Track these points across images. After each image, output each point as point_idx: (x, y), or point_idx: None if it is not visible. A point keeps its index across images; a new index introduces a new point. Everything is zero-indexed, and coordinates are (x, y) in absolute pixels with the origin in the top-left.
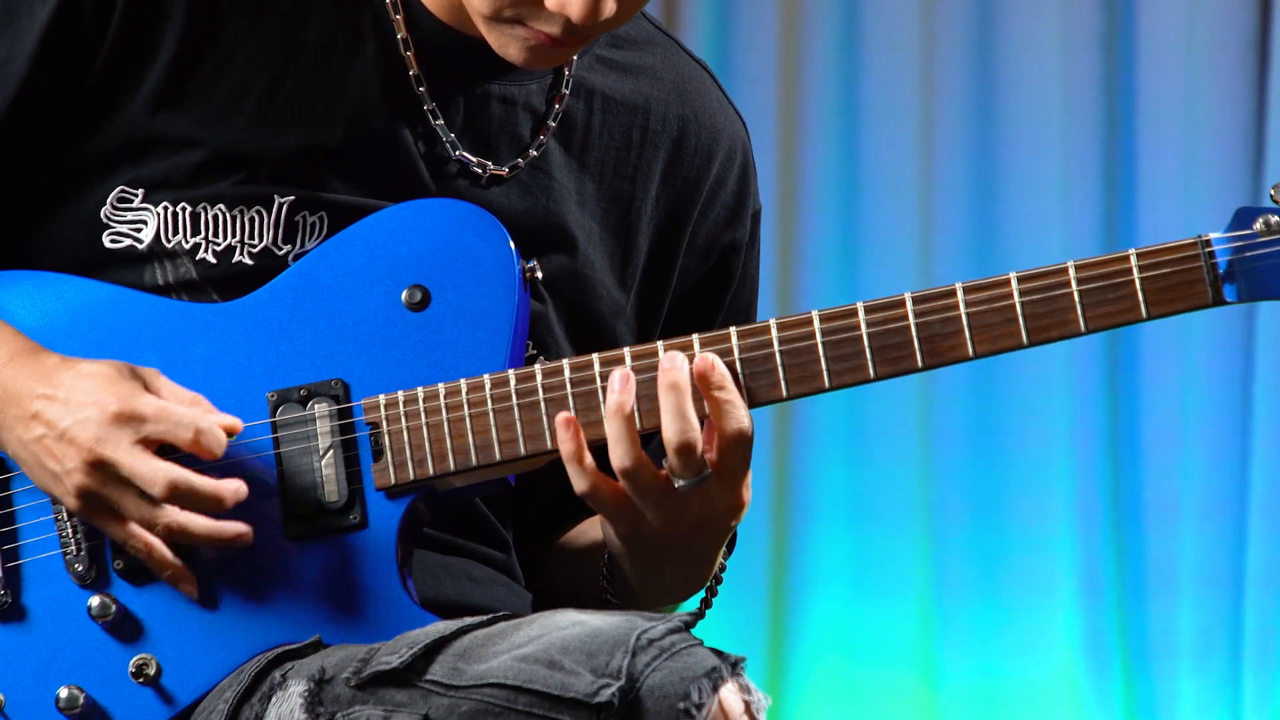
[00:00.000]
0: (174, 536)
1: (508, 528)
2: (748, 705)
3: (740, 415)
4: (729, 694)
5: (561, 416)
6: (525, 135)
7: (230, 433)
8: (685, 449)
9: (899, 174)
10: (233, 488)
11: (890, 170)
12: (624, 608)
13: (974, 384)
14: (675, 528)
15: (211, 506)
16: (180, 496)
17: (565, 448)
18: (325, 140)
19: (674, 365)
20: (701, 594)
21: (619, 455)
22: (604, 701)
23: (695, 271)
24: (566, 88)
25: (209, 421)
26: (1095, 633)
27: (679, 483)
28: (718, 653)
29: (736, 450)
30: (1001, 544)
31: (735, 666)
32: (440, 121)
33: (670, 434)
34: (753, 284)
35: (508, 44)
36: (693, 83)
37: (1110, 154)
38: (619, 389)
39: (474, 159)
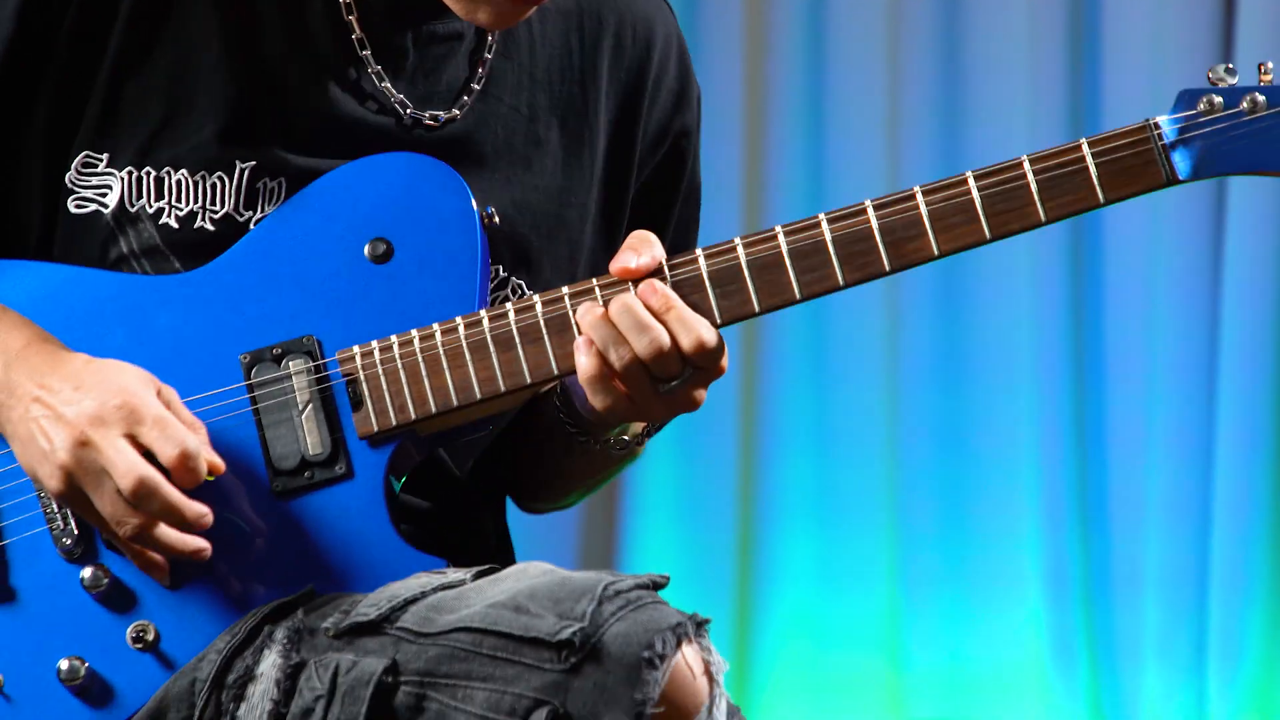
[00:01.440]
0: (139, 539)
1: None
2: (707, 666)
3: (695, 329)
4: (691, 651)
5: (581, 340)
6: (468, 68)
7: (213, 471)
8: (658, 356)
9: (865, 167)
10: (196, 511)
11: (856, 163)
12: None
13: (940, 377)
14: (652, 412)
15: (173, 519)
16: (145, 498)
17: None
18: (280, 102)
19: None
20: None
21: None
22: (565, 640)
23: (652, 160)
24: None
25: (198, 446)
26: (1061, 627)
27: (662, 387)
28: (683, 613)
29: (705, 358)
30: (967, 538)
31: (700, 627)
32: (385, 84)
33: (640, 347)
34: (696, 167)
35: (476, 10)
36: None
37: (1075, 85)
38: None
39: (424, 113)
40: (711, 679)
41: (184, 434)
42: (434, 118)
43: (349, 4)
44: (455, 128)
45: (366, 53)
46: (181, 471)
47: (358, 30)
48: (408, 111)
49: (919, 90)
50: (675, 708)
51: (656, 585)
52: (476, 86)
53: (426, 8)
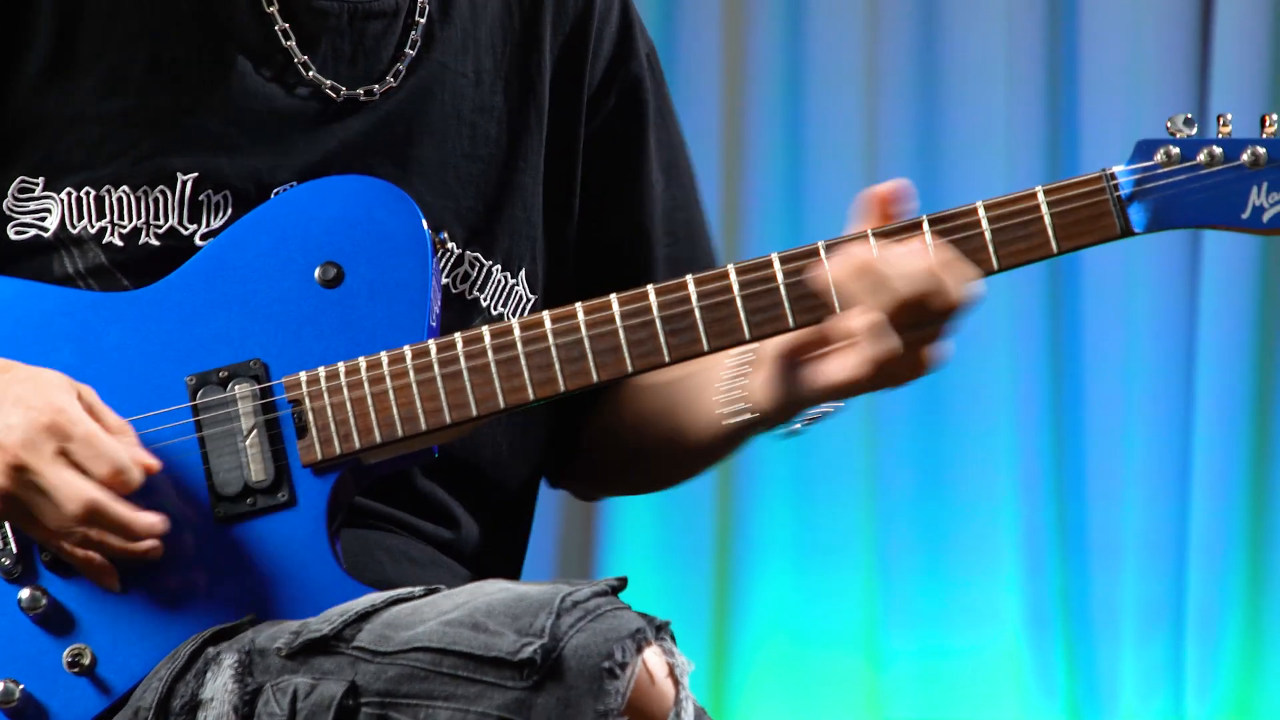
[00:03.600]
0: (88, 547)
1: (459, 504)
2: (671, 668)
3: (966, 270)
4: (653, 656)
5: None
6: (407, 40)
7: (148, 471)
8: (918, 301)
9: (844, 139)
10: (146, 523)
11: (835, 137)
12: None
13: None
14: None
15: (122, 534)
16: (93, 520)
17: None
18: (210, 106)
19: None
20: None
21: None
22: (526, 659)
23: (602, 109)
24: None
25: (128, 459)
26: (1038, 605)
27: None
28: (643, 615)
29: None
30: (945, 517)
31: (660, 630)
32: (313, 73)
33: (906, 288)
34: (676, 132)
35: None
36: None
37: (1053, 118)
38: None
39: (359, 90)
40: (676, 681)
41: (112, 448)
42: (369, 91)
43: None
44: (398, 98)
45: (291, 43)
46: (117, 485)
47: (280, 21)
48: (342, 93)
49: (897, 117)
50: (641, 714)
51: (614, 589)
52: (411, 52)
53: None
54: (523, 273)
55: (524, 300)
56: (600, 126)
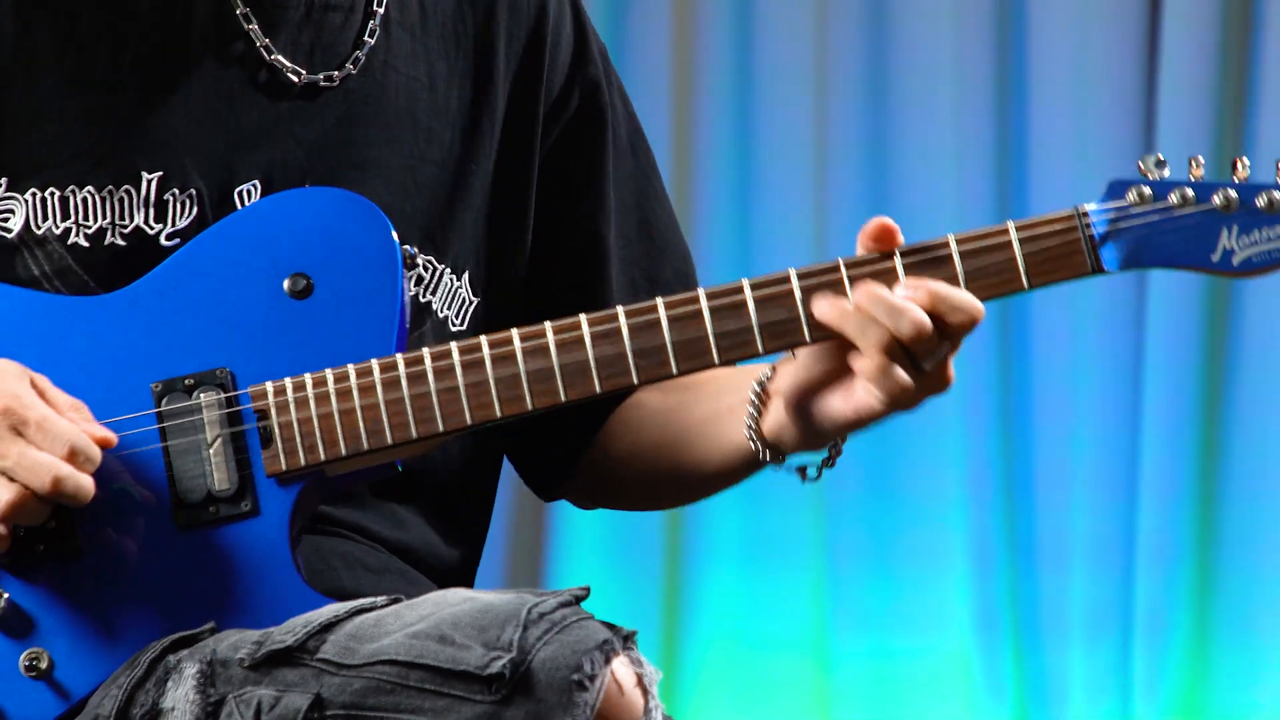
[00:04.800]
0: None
1: (412, 511)
2: (639, 678)
3: (967, 304)
4: (621, 666)
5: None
6: (365, 34)
7: (105, 445)
8: (921, 334)
9: (793, 144)
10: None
11: (784, 140)
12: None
13: None
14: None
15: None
16: (61, 492)
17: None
18: (178, 98)
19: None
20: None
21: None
22: (495, 673)
23: (562, 117)
24: None
25: (85, 439)
26: (987, 607)
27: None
28: (609, 626)
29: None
30: (894, 519)
31: (627, 640)
32: (276, 56)
33: (904, 328)
34: (632, 119)
35: None
36: None
37: (1002, 122)
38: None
39: (320, 76)
40: (645, 690)
41: (68, 430)
42: (329, 77)
43: None
44: (358, 88)
45: (253, 26)
46: (77, 465)
47: (241, 6)
48: (303, 76)
49: (846, 63)
50: None
51: (578, 599)
52: (370, 40)
53: None
54: (467, 275)
55: (467, 303)
56: (562, 133)
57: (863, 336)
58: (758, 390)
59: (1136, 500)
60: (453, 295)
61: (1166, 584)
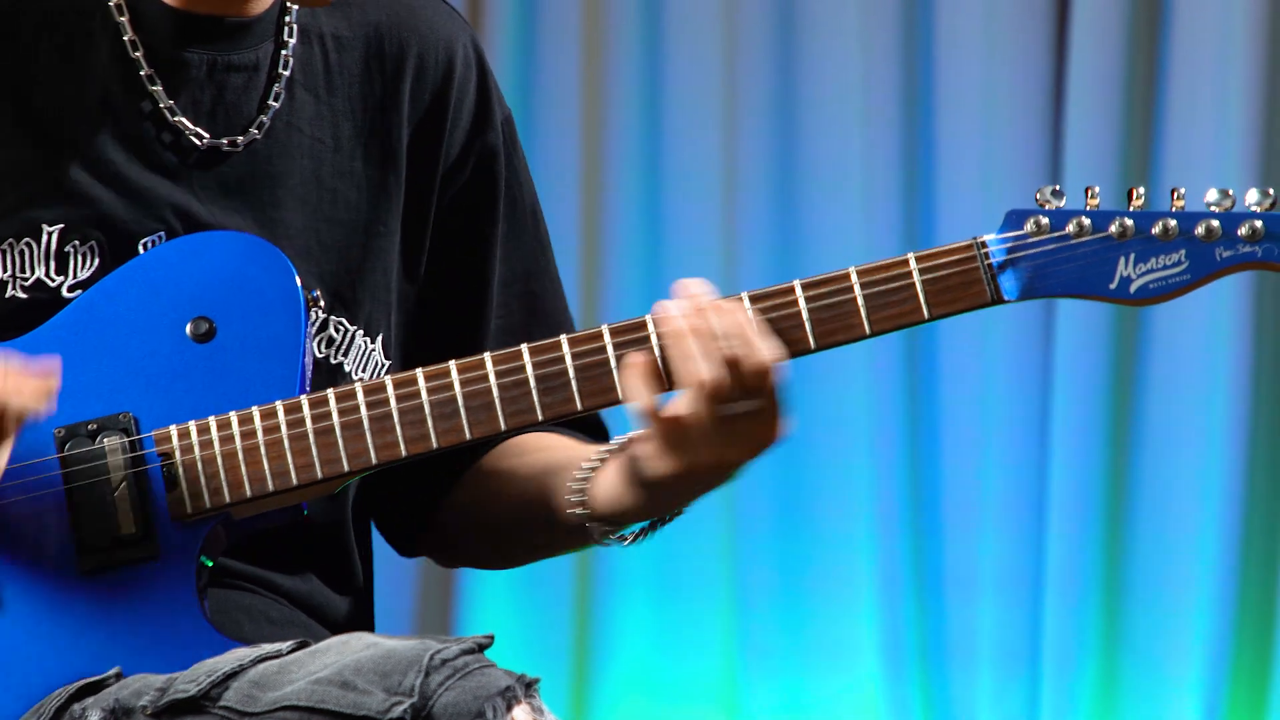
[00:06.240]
0: None
1: (293, 558)
2: None
3: (755, 354)
4: (522, 714)
5: (637, 361)
6: (269, 96)
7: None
8: (733, 363)
9: (702, 170)
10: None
11: (693, 166)
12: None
13: None
14: (716, 459)
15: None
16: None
17: (641, 400)
18: (74, 154)
19: (668, 315)
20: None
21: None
22: (396, 718)
23: (458, 180)
24: (291, 36)
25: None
26: (894, 638)
27: (731, 409)
28: (511, 674)
29: (766, 381)
30: (803, 553)
31: (529, 687)
32: (180, 119)
33: (705, 370)
34: (530, 193)
35: None
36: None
37: (909, 149)
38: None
39: (222, 140)
40: None
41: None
42: (233, 142)
43: (133, 40)
44: (260, 153)
45: (157, 88)
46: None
47: (145, 67)
48: (205, 140)
49: (754, 88)
50: None
51: (481, 646)
52: (275, 104)
53: (217, 35)
54: (380, 338)
55: (380, 366)
56: (454, 196)
57: (700, 359)
58: (597, 457)
59: (1045, 532)
60: (366, 358)
61: (1075, 618)
